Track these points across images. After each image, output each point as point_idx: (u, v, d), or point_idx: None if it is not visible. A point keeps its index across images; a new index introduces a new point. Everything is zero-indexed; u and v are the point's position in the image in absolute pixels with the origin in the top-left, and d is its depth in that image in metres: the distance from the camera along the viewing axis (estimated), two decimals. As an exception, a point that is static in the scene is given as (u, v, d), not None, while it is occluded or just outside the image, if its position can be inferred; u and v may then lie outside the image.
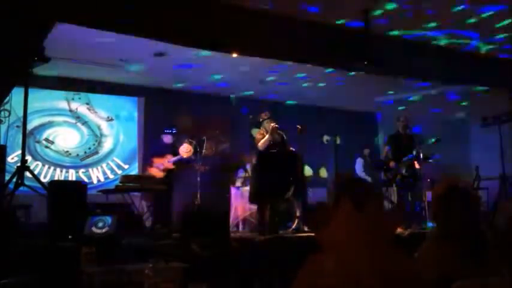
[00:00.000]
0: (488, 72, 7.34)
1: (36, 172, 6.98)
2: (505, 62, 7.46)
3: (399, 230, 5.44)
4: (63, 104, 8.45)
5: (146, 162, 7.76)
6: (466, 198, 2.29)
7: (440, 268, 2.11)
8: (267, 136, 6.75)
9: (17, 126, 6.44)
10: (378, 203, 1.91)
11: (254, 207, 7.02)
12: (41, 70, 5.89)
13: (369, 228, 1.76)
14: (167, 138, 7.60)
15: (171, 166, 7.38)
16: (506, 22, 6.31)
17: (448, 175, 8.81)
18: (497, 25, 6.32)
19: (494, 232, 2.43)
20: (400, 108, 10.02)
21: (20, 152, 5.68)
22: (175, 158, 7.39)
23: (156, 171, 7.33)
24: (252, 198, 6.80)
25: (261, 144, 6.76)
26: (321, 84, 8.86)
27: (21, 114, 5.58)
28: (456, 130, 10.93)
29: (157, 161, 7.38)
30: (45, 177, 7.82)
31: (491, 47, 7.05)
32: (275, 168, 6.45)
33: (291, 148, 6.90)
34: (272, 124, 6.75)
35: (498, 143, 8.25)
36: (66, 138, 8.41)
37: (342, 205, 1.82)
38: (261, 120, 7.00)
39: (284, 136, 6.90)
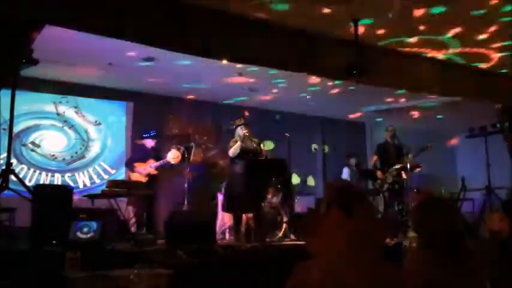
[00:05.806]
0: (481, 86, 7.40)
1: (21, 175, 6.92)
2: (499, 76, 7.54)
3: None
4: (51, 107, 8.37)
5: (128, 167, 7.69)
6: (443, 208, 2.34)
7: (423, 277, 2.13)
8: (238, 143, 6.63)
9: (3, 129, 6.38)
10: (368, 210, 1.92)
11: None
12: (28, 72, 5.85)
13: (358, 236, 1.76)
14: (149, 142, 7.55)
15: (153, 171, 7.33)
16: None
17: (430, 186, 8.92)
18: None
19: (477, 242, 2.47)
20: (388, 118, 10.09)
21: (5, 154, 5.62)
22: (157, 163, 7.32)
23: (138, 177, 7.28)
24: (225, 208, 6.62)
25: (231, 151, 6.63)
26: (310, 93, 8.89)
27: (7, 116, 5.52)
28: (443, 141, 11.03)
29: (138, 166, 7.33)
30: (30, 180, 7.72)
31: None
32: (247, 177, 6.26)
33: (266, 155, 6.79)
34: (244, 131, 6.61)
35: (484, 154, 8.34)
36: (52, 141, 8.31)
37: (332, 213, 1.82)
38: (234, 126, 6.87)
39: (260, 144, 6.79)
